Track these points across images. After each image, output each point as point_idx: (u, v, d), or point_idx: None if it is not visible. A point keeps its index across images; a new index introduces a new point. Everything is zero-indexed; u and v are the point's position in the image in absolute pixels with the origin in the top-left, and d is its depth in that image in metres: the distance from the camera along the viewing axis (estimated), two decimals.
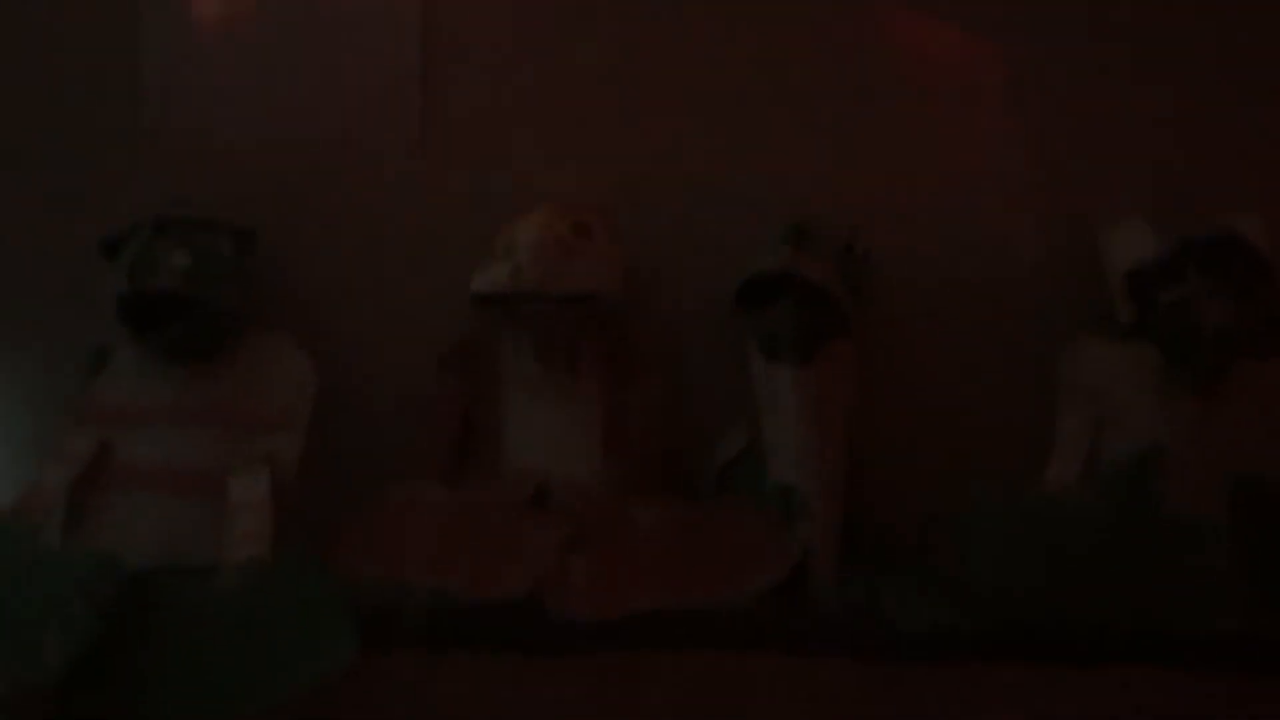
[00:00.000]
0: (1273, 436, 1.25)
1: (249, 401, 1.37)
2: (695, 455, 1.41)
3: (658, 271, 1.44)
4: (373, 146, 1.46)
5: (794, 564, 1.25)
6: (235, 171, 1.45)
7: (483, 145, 1.46)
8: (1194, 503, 1.21)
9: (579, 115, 1.45)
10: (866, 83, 1.44)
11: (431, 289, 1.44)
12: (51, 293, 1.47)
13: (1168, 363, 1.28)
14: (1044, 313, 1.40)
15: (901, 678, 1.17)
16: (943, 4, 1.43)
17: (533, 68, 1.46)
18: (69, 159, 1.46)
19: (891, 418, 1.38)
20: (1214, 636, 1.15)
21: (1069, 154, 1.42)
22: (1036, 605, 1.16)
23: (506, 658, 1.21)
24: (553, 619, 1.21)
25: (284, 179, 1.46)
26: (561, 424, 1.39)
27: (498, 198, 1.42)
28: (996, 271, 1.42)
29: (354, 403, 1.42)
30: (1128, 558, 1.19)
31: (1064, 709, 1.15)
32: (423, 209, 1.46)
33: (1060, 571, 1.18)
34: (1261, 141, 1.39)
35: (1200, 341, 1.25)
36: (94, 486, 1.33)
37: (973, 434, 1.40)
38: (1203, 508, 1.21)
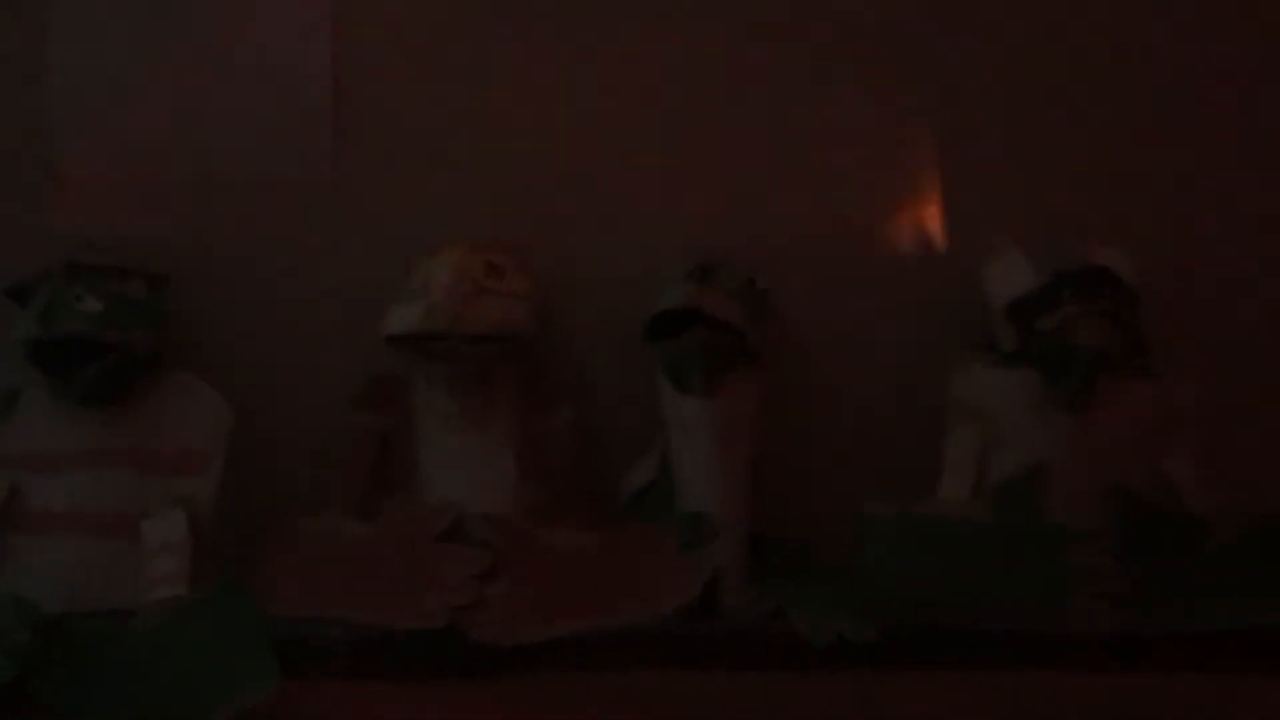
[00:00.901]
0: (1140, 449, 1.35)
1: (162, 443, 1.38)
2: (608, 484, 1.46)
3: (569, 305, 1.49)
4: (284, 186, 1.48)
5: (705, 584, 1.31)
6: (145, 212, 1.47)
7: (395, 184, 1.50)
8: (1074, 512, 1.30)
9: (492, 153, 1.50)
10: (768, 125, 1.51)
11: (344, 327, 1.46)
12: None
13: (1046, 384, 1.37)
14: (933, 341, 1.48)
15: (811, 687, 1.22)
16: (836, 50, 1.51)
17: (446, 107, 1.50)
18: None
19: (796, 443, 1.45)
20: (1096, 636, 1.24)
21: (954, 188, 1.52)
22: (932, 612, 1.24)
23: (428, 684, 1.24)
24: (472, 645, 1.24)
25: (195, 219, 1.47)
26: (476, 456, 1.43)
27: (411, 236, 1.45)
28: (888, 301, 1.50)
29: (268, 441, 1.44)
30: (1014, 564, 1.27)
31: (968, 711, 1.21)
32: (335, 248, 1.49)
33: (952, 579, 1.26)
34: (1125, 173, 1.51)
35: (1076, 362, 1.35)
36: (4, 531, 1.32)
37: (871, 455, 1.47)
38: (1082, 516, 1.30)
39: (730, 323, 1.39)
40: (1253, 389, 1.48)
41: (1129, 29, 1.52)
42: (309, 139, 1.49)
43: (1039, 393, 1.38)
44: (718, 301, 1.38)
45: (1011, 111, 1.51)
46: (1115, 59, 1.52)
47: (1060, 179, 1.51)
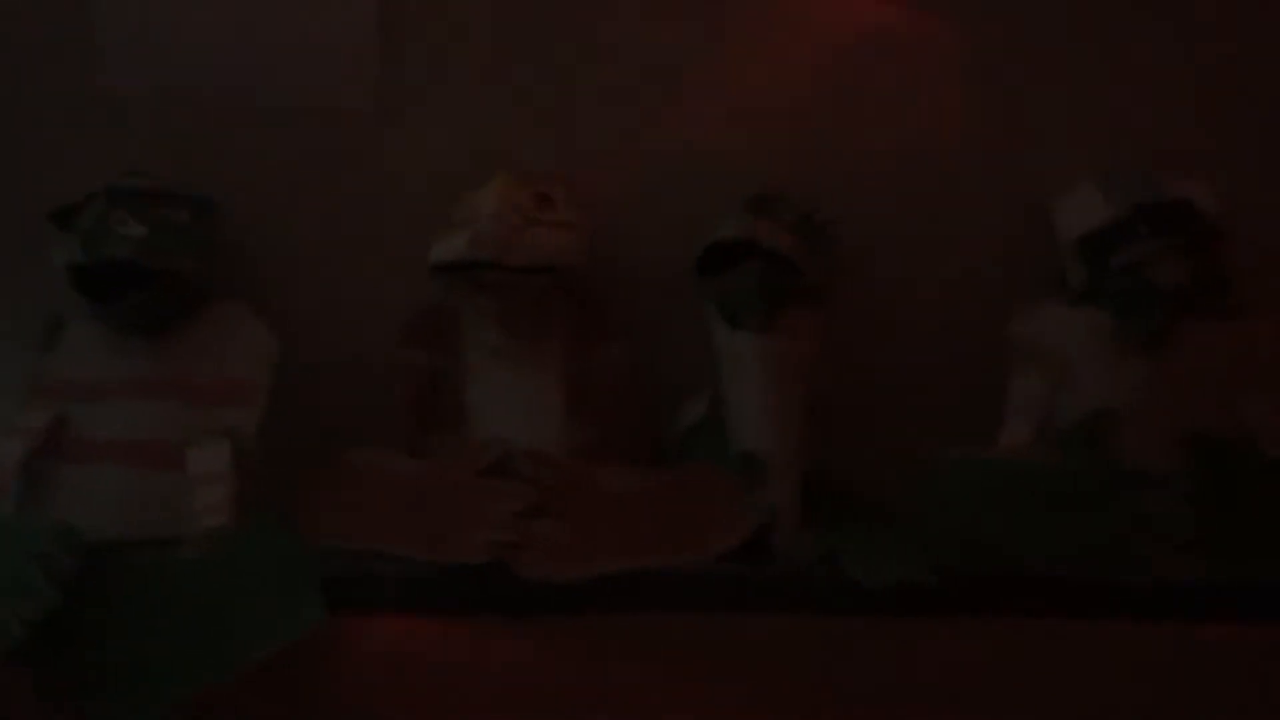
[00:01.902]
0: (1221, 393, 1.29)
1: (207, 372, 1.36)
2: (659, 422, 1.42)
3: (621, 238, 1.44)
4: (331, 112, 1.45)
5: (758, 525, 1.27)
6: (191, 138, 1.44)
7: (443, 111, 1.46)
8: (1146, 457, 1.24)
9: (541, 81, 1.45)
10: (827, 56, 1.45)
11: (392, 257, 1.43)
12: (2, 265, 1.44)
13: (1119, 324, 1.31)
14: (1001, 279, 1.42)
15: (866, 632, 1.19)
16: None
17: (494, 31, 1.45)
18: (18, 126, 1.44)
19: (855, 383, 1.40)
20: (1171, 584, 1.19)
21: (1024, 120, 1.45)
22: (994, 558, 1.19)
23: (473, 621, 1.22)
24: (519, 581, 1.22)
25: (241, 146, 1.44)
26: (525, 392, 1.40)
27: (458, 165, 1.42)
28: (956, 239, 1.44)
29: (315, 372, 1.42)
30: (1081, 510, 1.22)
31: (1026, 660, 1.17)
32: (382, 176, 1.45)
33: (1016, 525, 1.21)
34: (1210, 103, 1.43)
35: (1153, 301, 1.28)
36: (50, 460, 1.31)
37: (933, 397, 1.42)
38: (1158, 462, 1.24)
39: (787, 256, 1.34)
40: None
41: None
42: (354, 63, 1.45)
43: (1111, 333, 1.32)
44: (775, 234, 1.33)
45: (1089, 35, 1.44)
46: None
47: (1143, 108, 1.43)
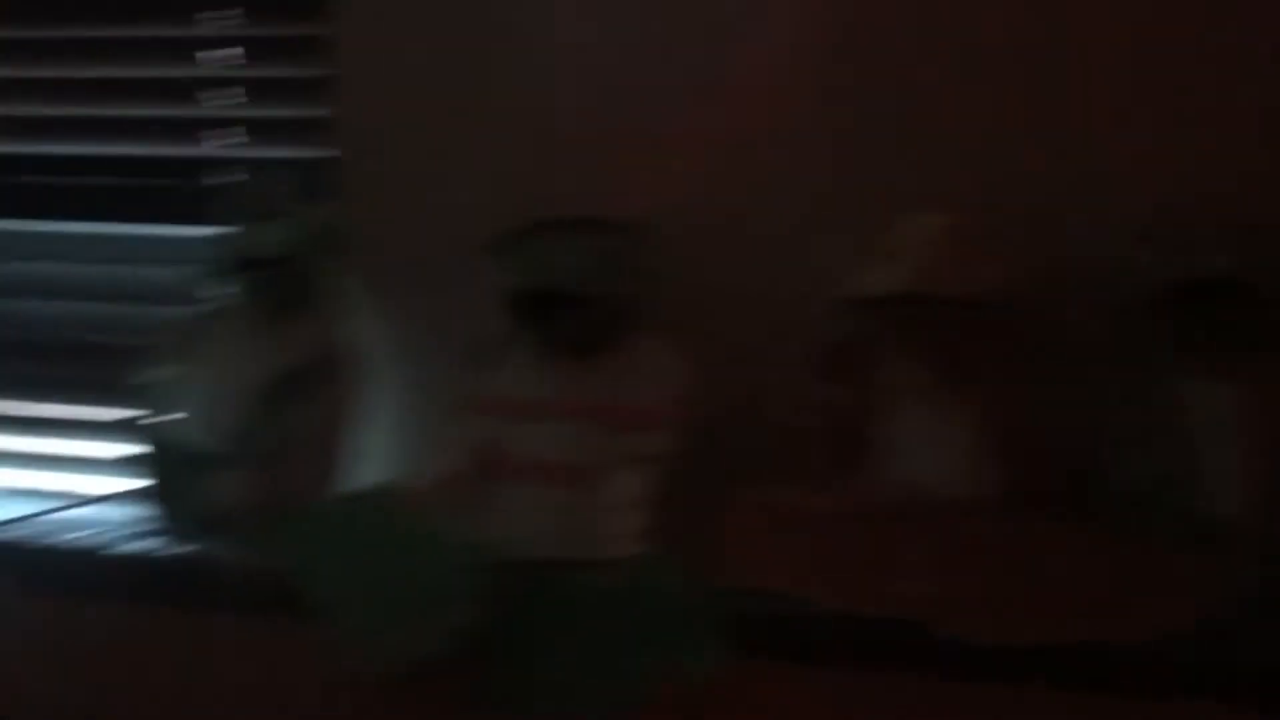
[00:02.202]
0: None
1: (625, 399, 1.37)
2: (1092, 475, 1.28)
3: (1056, 270, 1.32)
4: (757, 142, 1.43)
5: (1219, 603, 1.10)
6: (628, 170, 1.47)
7: (872, 140, 1.40)
8: None
9: (975, 107, 1.37)
10: None
11: (811, 289, 1.39)
12: (443, 286, 1.54)
13: None
14: None
15: None
16: None
17: (930, 62, 1.39)
18: (469, 159, 1.52)
19: None
20: None
21: None
22: None
23: (883, 677, 1.14)
24: (935, 640, 1.12)
25: (673, 176, 1.46)
26: (946, 434, 1.30)
27: (882, 193, 1.36)
28: None
29: (728, 404, 1.39)
30: None
31: None
32: (803, 207, 1.42)
33: None
34: None
35: None
36: (478, 478, 1.37)
37: None
38: None
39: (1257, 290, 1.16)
40: None
41: None
42: (797, 100, 1.43)
43: None
44: (1254, 268, 1.16)
45: None
46: None
47: None
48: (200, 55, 1.64)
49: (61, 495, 1.59)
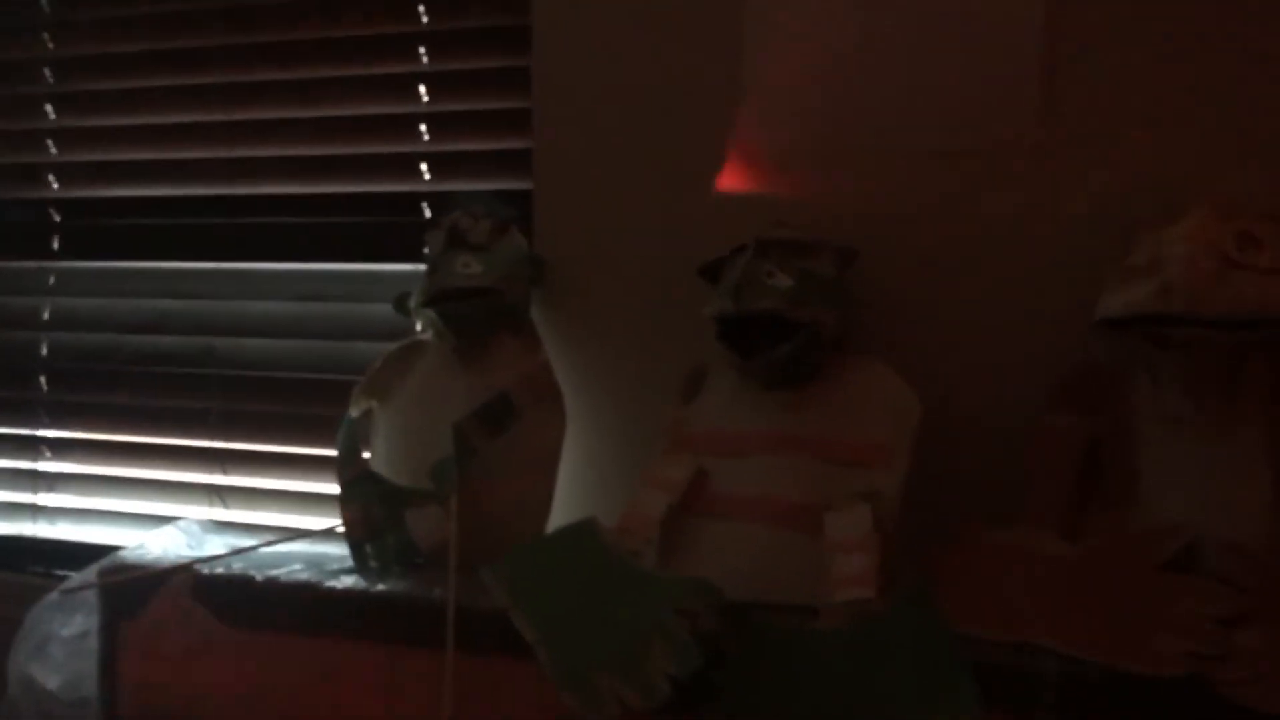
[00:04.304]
0: None
1: (846, 432, 1.28)
2: None
3: None
4: (982, 155, 1.32)
5: None
6: (834, 185, 1.38)
7: (1115, 143, 1.28)
8: None
9: (1236, 99, 1.23)
10: None
11: (1048, 310, 1.27)
12: (654, 317, 1.48)
13: None
14: None
15: None
16: None
17: (1174, 47, 1.26)
18: (673, 183, 1.47)
19: None
20: None
21: None
22: None
23: None
24: (1218, 705, 0.98)
25: (886, 193, 1.36)
26: (1216, 471, 1.16)
27: (1135, 202, 1.23)
28: None
29: (956, 438, 1.28)
30: None
31: None
32: (1039, 219, 1.30)
33: None
34: None
35: None
36: (688, 514, 1.30)
37: None
38: None
39: None
40: None
41: None
42: (1012, 105, 1.31)
43: None
44: None
45: None
46: None
47: None
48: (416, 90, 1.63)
49: (269, 530, 1.59)
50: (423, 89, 1.63)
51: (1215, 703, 0.99)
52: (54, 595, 1.48)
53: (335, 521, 1.42)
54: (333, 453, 1.44)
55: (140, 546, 1.43)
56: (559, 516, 1.38)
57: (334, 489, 1.42)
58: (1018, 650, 1.08)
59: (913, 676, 1.03)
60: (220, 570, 1.33)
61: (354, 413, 1.46)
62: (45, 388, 1.84)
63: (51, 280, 1.85)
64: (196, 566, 1.34)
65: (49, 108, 1.83)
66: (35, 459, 1.85)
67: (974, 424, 1.32)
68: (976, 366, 1.34)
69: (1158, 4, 1.27)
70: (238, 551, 1.41)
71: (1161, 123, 1.27)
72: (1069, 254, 1.29)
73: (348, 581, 1.29)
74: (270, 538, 1.45)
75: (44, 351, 1.85)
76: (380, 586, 1.28)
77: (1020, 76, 1.31)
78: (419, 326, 1.53)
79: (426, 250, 1.49)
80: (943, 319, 1.35)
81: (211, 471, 1.75)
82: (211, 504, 1.75)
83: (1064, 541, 1.17)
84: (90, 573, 1.43)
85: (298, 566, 1.34)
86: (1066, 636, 1.07)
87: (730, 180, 1.44)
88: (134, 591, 1.33)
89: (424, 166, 1.64)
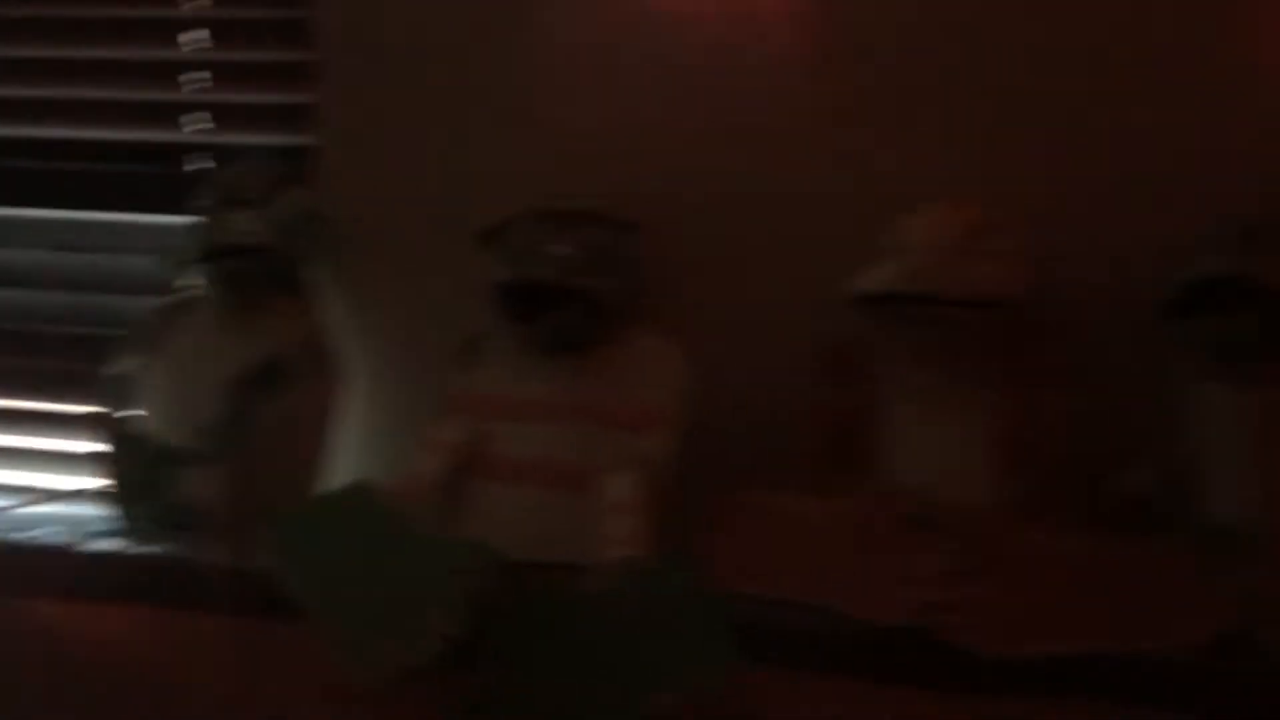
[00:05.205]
0: None
1: (623, 398, 1.33)
2: (1105, 482, 1.25)
3: (1067, 270, 1.29)
4: (758, 137, 1.39)
5: (1237, 614, 1.07)
6: (616, 162, 1.42)
7: (873, 135, 1.37)
8: None
9: (977, 103, 1.33)
10: None
11: (812, 287, 1.35)
12: (428, 279, 1.49)
13: None
14: None
15: None
16: None
17: (928, 54, 1.35)
18: (455, 150, 1.47)
19: None
20: None
21: None
22: None
23: (884, 688, 1.10)
24: (944, 650, 1.09)
25: (664, 170, 1.41)
26: (952, 439, 1.27)
27: (887, 190, 1.32)
28: None
29: (727, 405, 1.35)
30: None
31: None
32: (806, 203, 1.38)
33: None
34: None
35: None
36: (465, 477, 1.32)
37: None
38: None
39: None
40: None
41: None
42: (787, 92, 1.38)
43: None
44: (1271, 269, 1.14)
45: None
46: None
47: None
48: (181, 38, 1.57)
49: (27, 491, 1.52)
50: (197, 37, 1.58)
51: (941, 649, 1.09)
52: None
53: (99, 482, 1.38)
54: (95, 410, 1.39)
55: None
56: (340, 480, 1.38)
57: (97, 448, 1.38)
58: (777, 606, 1.15)
59: (674, 633, 1.09)
60: None
61: (120, 370, 1.41)
62: None
63: None
64: None
65: None
66: None
67: (750, 393, 1.39)
68: (751, 338, 1.41)
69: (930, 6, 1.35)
70: None
71: (912, 117, 1.36)
72: (834, 235, 1.37)
73: (112, 544, 1.26)
74: (28, 498, 1.40)
75: None
76: (147, 548, 1.25)
77: (788, 64, 1.38)
78: (188, 282, 1.48)
79: (199, 203, 1.45)
80: (719, 293, 1.41)
81: None
82: None
83: (821, 503, 1.26)
84: None
85: (57, 528, 1.30)
86: (813, 589, 1.15)
87: (523, 146, 1.46)
88: None
89: (188, 117, 1.58)
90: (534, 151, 1.45)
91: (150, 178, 1.60)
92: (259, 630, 1.18)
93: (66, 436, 1.61)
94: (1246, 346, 1.12)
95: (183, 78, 1.58)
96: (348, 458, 1.47)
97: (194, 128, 1.59)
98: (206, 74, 1.58)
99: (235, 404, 1.34)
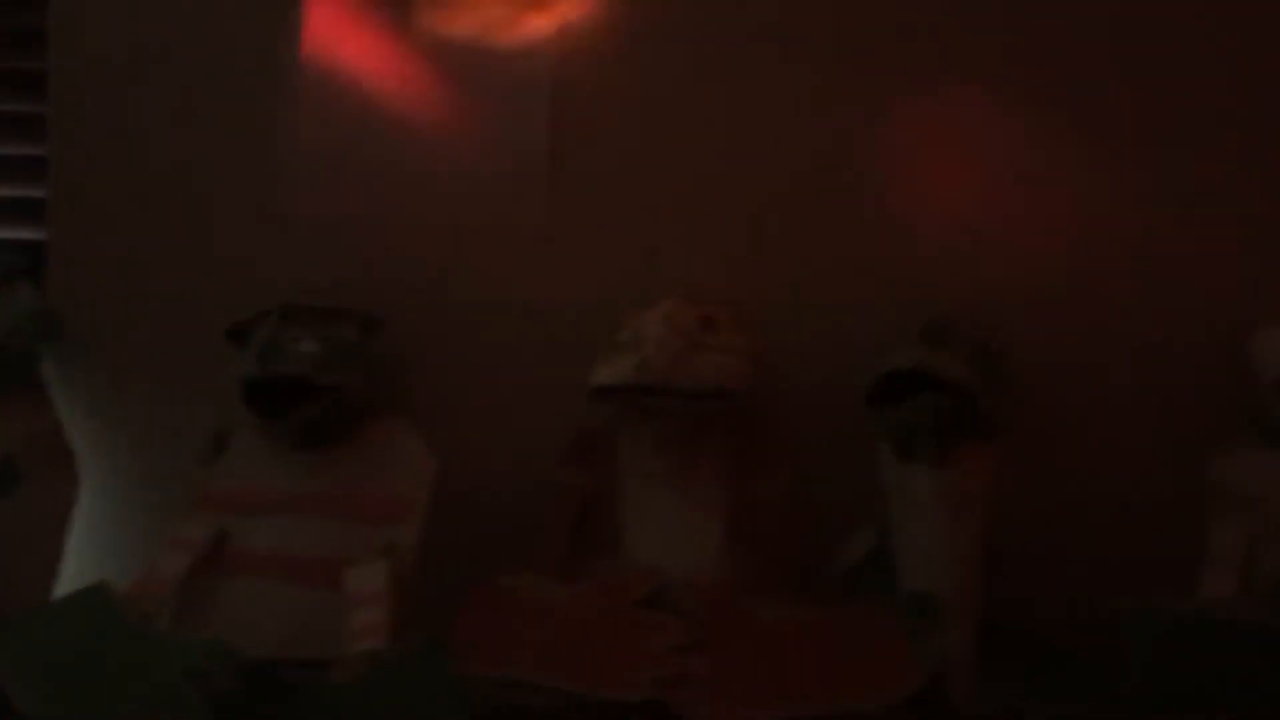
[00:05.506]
0: None
1: (368, 489, 1.36)
2: (820, 556, 1.36)
3: (783, 365, 1.41)
4: (498, 234, 1.46)
5: (930, 673, 1.19)
6: (361, 257, 1.46)
7: (609, 234, 1.45)
8: None
9: (707, 205, 1.44)
10: (1000, 171, 1.41)
11: (554, 379, 1.42)
12: (176, 378, 1.48)
13: None
14: (1188, 415, 1.35)
15: None
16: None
17: (658, 162, 1.45)
18: (198, 246, 1.48)
19: (1033, 522, 1.33)
20: None
21: (1218, 255, 1.38)
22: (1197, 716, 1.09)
23: None
24: None
25: (408, 264, 1.46)
26: (682, 520, 1.36)
27: (623, 288, 1.41)
28: (1144, 374, 1.37)
29: (473, 493, 1.40)
30: None
31: None
32: (547, 297, 1.45)
33: (1225, 687, 1.11)
34: None
35: None
36: (210, 574, 1.32)
37: (1117, 541, 1.34)
38: None
39: (963, 387, 1.28)
40: None
41: None
42: (524, 186, 1.46)
43: None
44: (950, 364, 1.28)
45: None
46: None
47: None
48: None
49: None
50: None
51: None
52: None
53: None
54: None
55: None
56: (76, 582, 1.34)
57: None
58: (512, 688, 1.20)
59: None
60: None
61: None
62: None
63: None
64: None
65: None
66: None
67: (496, 481, 1.44)
68: (497, 428, 1.46)
69: (654, 106, 1.45)
70: None
71: (645, 217, 1.46)
72: (573, 328, 1.44)
73: None
74: None
75: None
76: None
77: (528, 164, 1.46)
78: None
79: None
80: (465, 384, 1.46)
81: None
82: None
83: (560, 585, 1.32)
84: None
85: None
86: (553, 671, 1.20)
87: (264, 242, 1.47)
88: None
89: None
90: (284, 246, 1.47)
91: None
92: None
93: None
94: (928, 431, 1.25)
95: None
96: (86, 558, 1.43)
97: None
98: None
99: None
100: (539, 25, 1.44)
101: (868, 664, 1.21)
